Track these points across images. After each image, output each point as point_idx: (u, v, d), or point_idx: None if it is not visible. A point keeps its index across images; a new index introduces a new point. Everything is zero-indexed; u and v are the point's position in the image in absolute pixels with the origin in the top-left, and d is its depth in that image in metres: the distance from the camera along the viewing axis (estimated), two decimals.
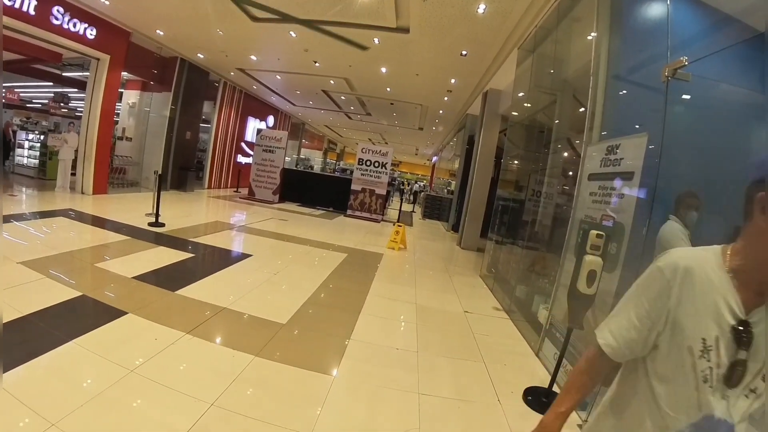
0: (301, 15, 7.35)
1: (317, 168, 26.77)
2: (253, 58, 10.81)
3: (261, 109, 17.38)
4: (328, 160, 33.91)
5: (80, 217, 7.14)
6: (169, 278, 4.61)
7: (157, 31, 9.68)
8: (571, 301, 3.00)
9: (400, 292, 5.47)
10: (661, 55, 3.22)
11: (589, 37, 4.77)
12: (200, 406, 2.39)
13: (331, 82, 12.34)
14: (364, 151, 12.98)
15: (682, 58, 2.79)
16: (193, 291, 4.27)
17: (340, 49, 8.84)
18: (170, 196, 10.97)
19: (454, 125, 15.43)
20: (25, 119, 14.78)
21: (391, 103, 14.03)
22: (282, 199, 13.80)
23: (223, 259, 6.03)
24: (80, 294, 3.72)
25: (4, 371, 2.38)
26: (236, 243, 7.34)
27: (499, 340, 4.32)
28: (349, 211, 13.03)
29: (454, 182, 17.21)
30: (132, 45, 9.93)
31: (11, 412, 2.10)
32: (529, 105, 7.09)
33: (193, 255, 5.77)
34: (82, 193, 9.40)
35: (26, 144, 11.75)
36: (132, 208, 8.44)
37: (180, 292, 4.19)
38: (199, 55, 11.48)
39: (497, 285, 6.18)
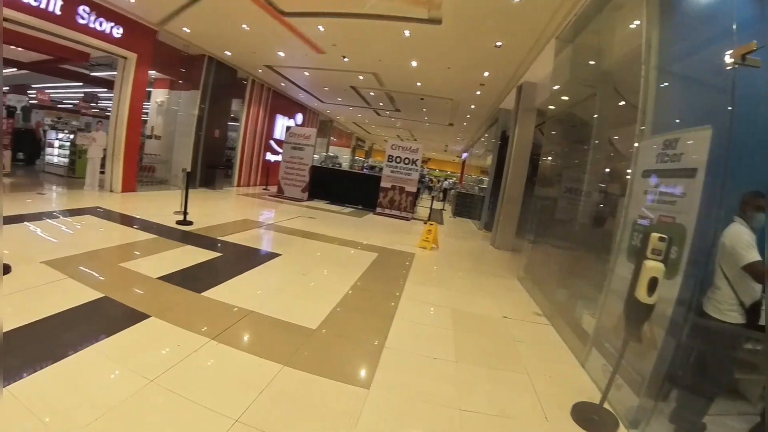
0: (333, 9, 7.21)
1: (345, 165, 26.69)
2: (281, 54, 10.73)
3: (289, 107, 17.38)
4: (356, 157, 33.81)
5: (108, 215, 7.17)
6: (195, 279, 4.50)
7: (184, 29, 9.68)
8: (629, 310, 2.72)
9: (434, 295, 5.24)
10: (721, 40, 2.89)
11: (632, 26, 4.45)
12: (224, 422, 2.22)
13: (360, 77, 12.17)
14: (393, 147, 12.79)
15: (752, 42, 2.48)
16: (220, 292, 4.15)
17: (368, 43, 8.65)
18: (199, 194, 11.02)
19: (486, 120, 15.03)
20: (56, 119, 15.18)
21: (421, 99, 13.73)
22: (311, 197, 13.75)
23: (251, 258, 5.91)
24: (102, 295, 3.63)
25: (17, 379, 2.28)
26: (264, 242, 7.24)
27: (541, 349, 4.03)
28: (378, 209, 12.86)
29: (486, 179, 16.79)
30: (158, 43, 10.00)
31: (22, 424, 1.98)
32: (567, 98, 6.74)
33: (220, 254, 5.69)
34: (111, 191, 9.51)
35: (56, 143, 12.02)
36: (160, 206, 8.47)
37: (206, 293, 4.07)
38: (226, 52, 11.48)
39: (536, 288, 5.85)
